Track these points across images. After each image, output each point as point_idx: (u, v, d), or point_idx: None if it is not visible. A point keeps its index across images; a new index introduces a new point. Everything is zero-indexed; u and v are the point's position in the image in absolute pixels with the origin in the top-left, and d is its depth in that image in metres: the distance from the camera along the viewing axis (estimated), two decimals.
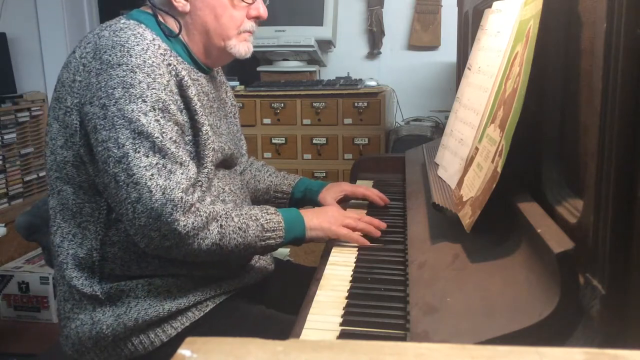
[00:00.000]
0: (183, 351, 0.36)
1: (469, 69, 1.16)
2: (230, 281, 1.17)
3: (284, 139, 2.63)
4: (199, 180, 1.08)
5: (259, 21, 1.21)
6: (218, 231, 1.03)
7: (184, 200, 0.98)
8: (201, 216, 1.01)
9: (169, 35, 1.12)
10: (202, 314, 1.11)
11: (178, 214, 0.98)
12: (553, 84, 0.79)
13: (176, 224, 0.97)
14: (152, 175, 0.98)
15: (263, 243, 1.09)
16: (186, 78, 1.09)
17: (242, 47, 1.18)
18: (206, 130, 1.10)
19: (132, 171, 0.97)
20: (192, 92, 1.09)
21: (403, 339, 0.78)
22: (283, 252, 2.14)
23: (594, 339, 0.56)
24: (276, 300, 1.23)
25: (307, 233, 1.14)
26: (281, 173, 1.46)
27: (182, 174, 1.00)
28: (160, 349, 1.08)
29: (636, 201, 0.53)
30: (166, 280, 1.10)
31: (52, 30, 3.03)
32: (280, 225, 1.10)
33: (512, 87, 0.78)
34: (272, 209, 1.13)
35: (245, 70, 2.87)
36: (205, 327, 1.11)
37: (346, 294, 0.92)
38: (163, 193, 0.97)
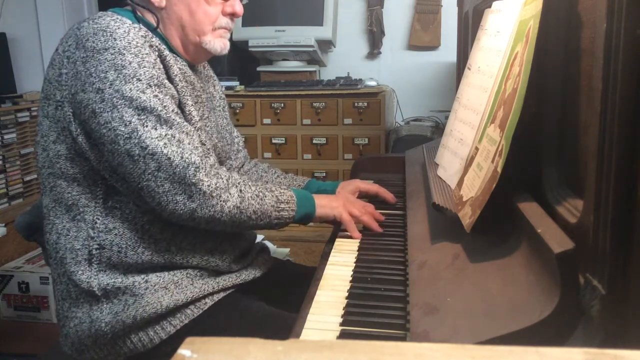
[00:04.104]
0: (183, 351, 0.36)
1: (469, 69, 1.16)
2: (228, 277, 1.17)
3: (284, 139, 2.63)
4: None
5: (236, 18, 1.23)
6: (238, 195, 1.07)
7: (204, 162, 1.03)
8: (222, 178, 1.05)
9: (147, 29, 1.12)
10: (200, 311, 1.12)
11: (201, 174, 1.02)
12: (553, 84, 0.79)
13: (201, 184, 1.02)
14: (165, 144, 1.01)
15: (277, 214, 1.12)
16: (168, 58, 1.10)
17: (217, 44, 1.20)
18: (189, 110, 1.12)
19: (145, 143, 1.00)
20: (174, 71, 1.11)
21: (403, 339, 0.78)
22: (283, 252, 2.14)
23: (594, 339, 0.56)
24: (276, 300, 1.23)
25: (317, 210, 1.18)
26: (289, 175, 1.47)
27: (189, 143, 1.03)
28: (159, 347, 1.09)
29: (636, 201, 0.53)
30: (163, 277, 1.10)
31: (52, 30, 3.03)
32: (293, 199, 1.15)
33: (512, 87, 0.78)
34: (284, 186, 1.19)
35: (245, 70, 2.87)
36: (204, 325, 1.11)
37: (346, 294, 0.92)
38: (181, 157, 1.01)
